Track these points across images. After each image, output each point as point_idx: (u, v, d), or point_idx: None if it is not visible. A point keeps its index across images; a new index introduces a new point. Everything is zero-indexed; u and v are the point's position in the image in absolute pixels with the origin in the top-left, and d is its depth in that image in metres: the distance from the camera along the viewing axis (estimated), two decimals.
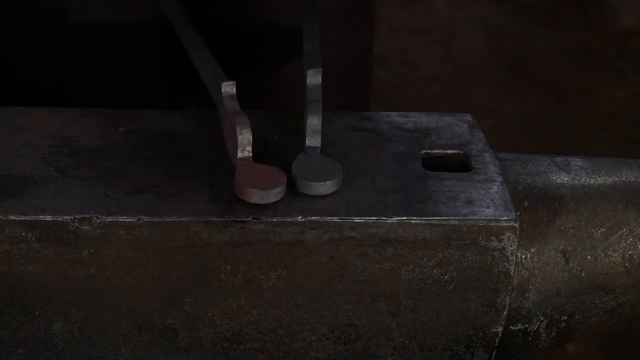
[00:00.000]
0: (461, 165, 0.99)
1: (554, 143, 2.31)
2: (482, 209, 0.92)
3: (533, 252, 0.96)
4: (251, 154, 0.94)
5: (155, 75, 1.30)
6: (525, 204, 0.97)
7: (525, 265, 0.96)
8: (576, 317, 0.99)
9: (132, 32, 1.25)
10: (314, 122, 0.97)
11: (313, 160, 0.95)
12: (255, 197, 0.90)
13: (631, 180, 1.00)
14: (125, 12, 1.24)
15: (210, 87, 1.02)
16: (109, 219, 0.88)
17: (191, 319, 0.92)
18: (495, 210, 0.92)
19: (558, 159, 1.02)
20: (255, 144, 0.93)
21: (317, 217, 0.89)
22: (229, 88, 0.98)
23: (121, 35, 1.25)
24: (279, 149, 0.98)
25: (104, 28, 1.23)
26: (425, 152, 1.00)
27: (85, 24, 1.23)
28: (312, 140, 0.96)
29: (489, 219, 0.91)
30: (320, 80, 1.00)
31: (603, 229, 0.98)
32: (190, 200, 0.90)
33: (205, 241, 0.89)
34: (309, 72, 1.00)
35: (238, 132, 0.93)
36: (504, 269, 0.92)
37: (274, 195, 0.90)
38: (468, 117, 1.05)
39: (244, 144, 0.94)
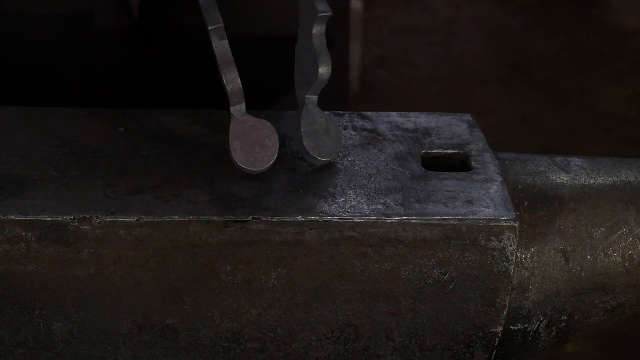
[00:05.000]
0: (461, 165, 0.99)
1: (554, 143, 2.30)
2: (482, 209, 0.91)
3: (533, 252, 0.96)
4: (243, 103, 0.93)
5: (124, 78, 1.30)
6: (525, 204, 0.97)
7: (525, 265, 0.96)
8: (576, 317, 0.99)
9: (103, 36, 1.25)
10: (325, 72, 0.93)
11: (318, 125, 0.94)
12: (245, 167, 0.92)
13: (631, 180, 1.00)
14: (99, 16, 1.24)
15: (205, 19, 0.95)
16: (109, 219, 0.88)
17: (191, 319, 0.92)
18: (495, 210, 0.91)
19: (558, 159, 1.02)
20: None
21: (317, 217, 0.89)
22: (217, 32, 0.93)
23: (93, 37, 1.25)
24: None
25: (74, 30, 1.23)
26: (425, 152, 1.00)
27: (56, 25, 1.22)
28: (316, 91, 0.95)
29: (489, 219, 0.91)
30: (325, 29, 0.94)
31: (603, 229, 0.98)
32: (190, 200, 0.90)
33: (205, 241, 0.89)
34: (319, 17, 0.92)
35: (228, 90, 0.92)
36: (504, 269, 0.92)
37: (265, 165, 0.92)
38: (468, 117, 1.05)
39: (235, 98, 0.93)
